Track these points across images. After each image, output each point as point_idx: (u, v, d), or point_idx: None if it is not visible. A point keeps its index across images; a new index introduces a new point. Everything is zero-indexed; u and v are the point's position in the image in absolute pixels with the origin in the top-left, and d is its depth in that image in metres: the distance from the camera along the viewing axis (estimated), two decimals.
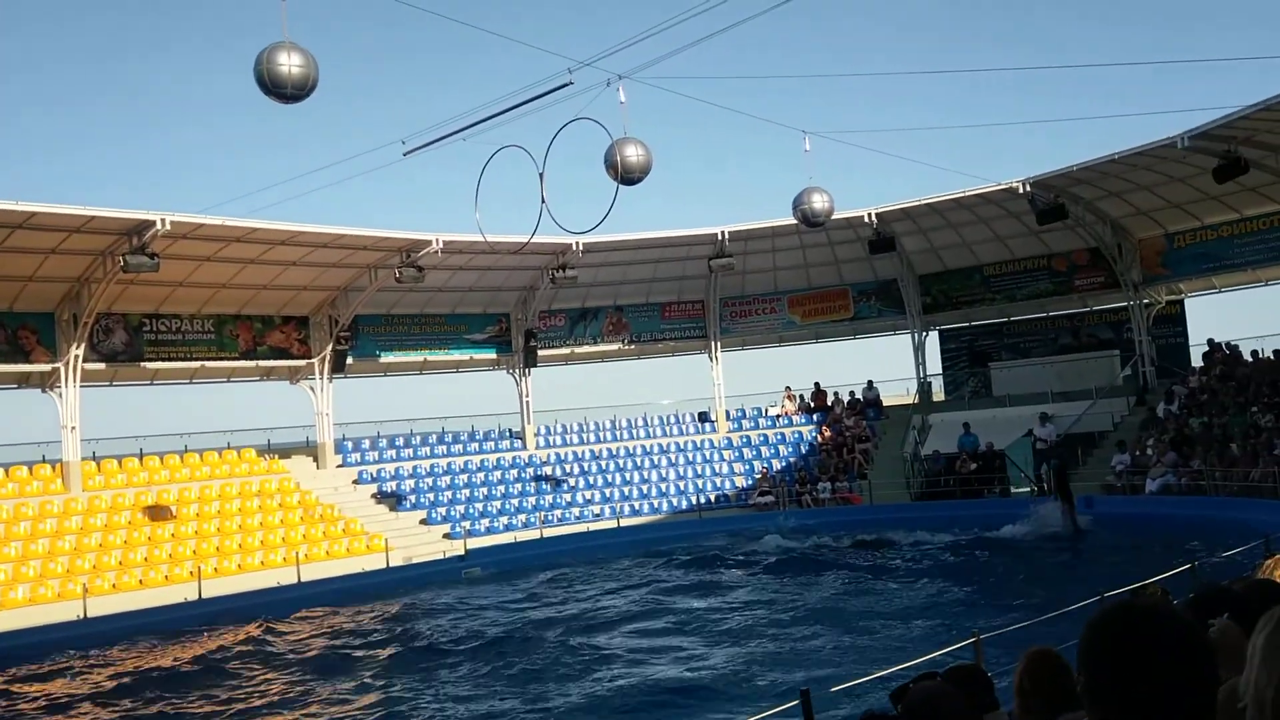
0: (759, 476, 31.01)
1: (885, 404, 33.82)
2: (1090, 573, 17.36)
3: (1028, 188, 27.19)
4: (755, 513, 29.51)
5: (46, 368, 24.15)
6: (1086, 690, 1.76)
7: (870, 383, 34.21)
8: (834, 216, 22.74)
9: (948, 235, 31.58)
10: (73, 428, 24.18)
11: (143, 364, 26.10)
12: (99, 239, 22.89)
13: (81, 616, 20.00)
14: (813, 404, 34.54)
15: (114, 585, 21.46)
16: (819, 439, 32.44)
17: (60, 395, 24.13)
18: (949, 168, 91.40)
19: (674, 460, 32.49)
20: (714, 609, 18.13)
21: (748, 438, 33.49)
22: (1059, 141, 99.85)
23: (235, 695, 14.41)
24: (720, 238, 30.83)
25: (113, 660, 17.54)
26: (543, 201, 15.66)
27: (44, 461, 24.66)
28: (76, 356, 24.17)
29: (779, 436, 33.32)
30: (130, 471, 25.55)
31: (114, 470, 25.36)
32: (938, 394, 33.89)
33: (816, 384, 34.98)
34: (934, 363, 33.95)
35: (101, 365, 25.22)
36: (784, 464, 31.90)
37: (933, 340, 33.96)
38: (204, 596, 21.39)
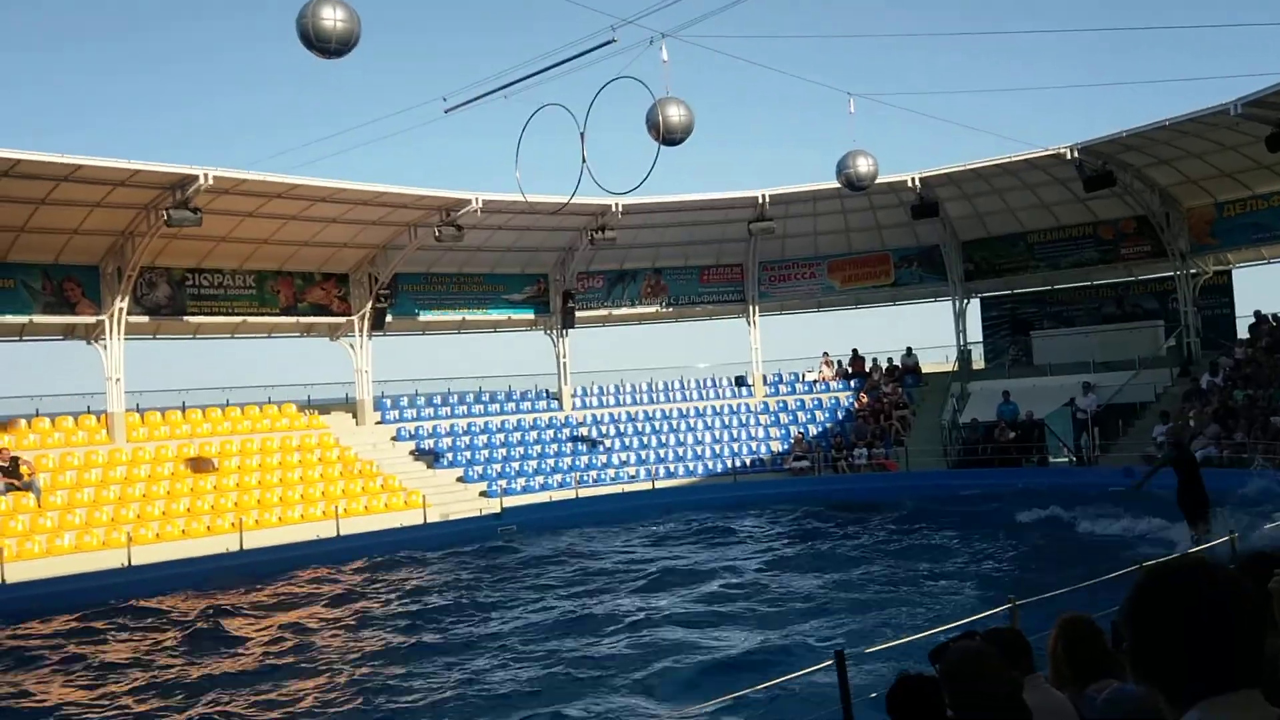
0: (794, 441, 30.93)
1: (924, 371, 33.56)
2: (1128, 542, 17.19)
3: (1075, 154, 26.68)
4: (790, 477, 29.48)
5: (91, 320, 24.51)
6: (1132, 650, 1.72)
7: (909, 349, 33.96)
8: (877, 181, 22.44)
9: (992, 201, 31.11)
10: (117, 379, 24.57)
11: (185, 318, 26.42)
12: (143, 193, 23.10)
13: (126, 564, 20.40)
14: (850, 370, 34.34)
15: (157, 535, 21.87)
16: (856, 405, 32.27)
17: (105, 347, 24.50)
18: (995, 132, 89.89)
19: (710, 424, 32.49)
20: (744, 571, 18.18)
21: (784, 403, 33.39)
22: (1107, 108, 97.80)
23: (272, 645, 14.68)
24: (761, 201, 30.59)
25: (161, 607, 17.91)
26: (583, 161, 15.56)
27: (89, 412, 25.11)
28: (121, 309, 24.50)
29: (815, 402, 33.19)
30: (173, 424, 25.96)
31: (157, 422, 25.77)
32: (978, 362, 33.55)
33: (855, 350, 34.73)
34: (975, 330, 33.62)
35: (145, 318, 25.55)
36: (820, 430, 31.80)
37: (974, 308, 33.60)
38: (245, 548, 21.73)
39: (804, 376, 34.51)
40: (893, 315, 47.07)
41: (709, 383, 34.46)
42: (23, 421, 24.22)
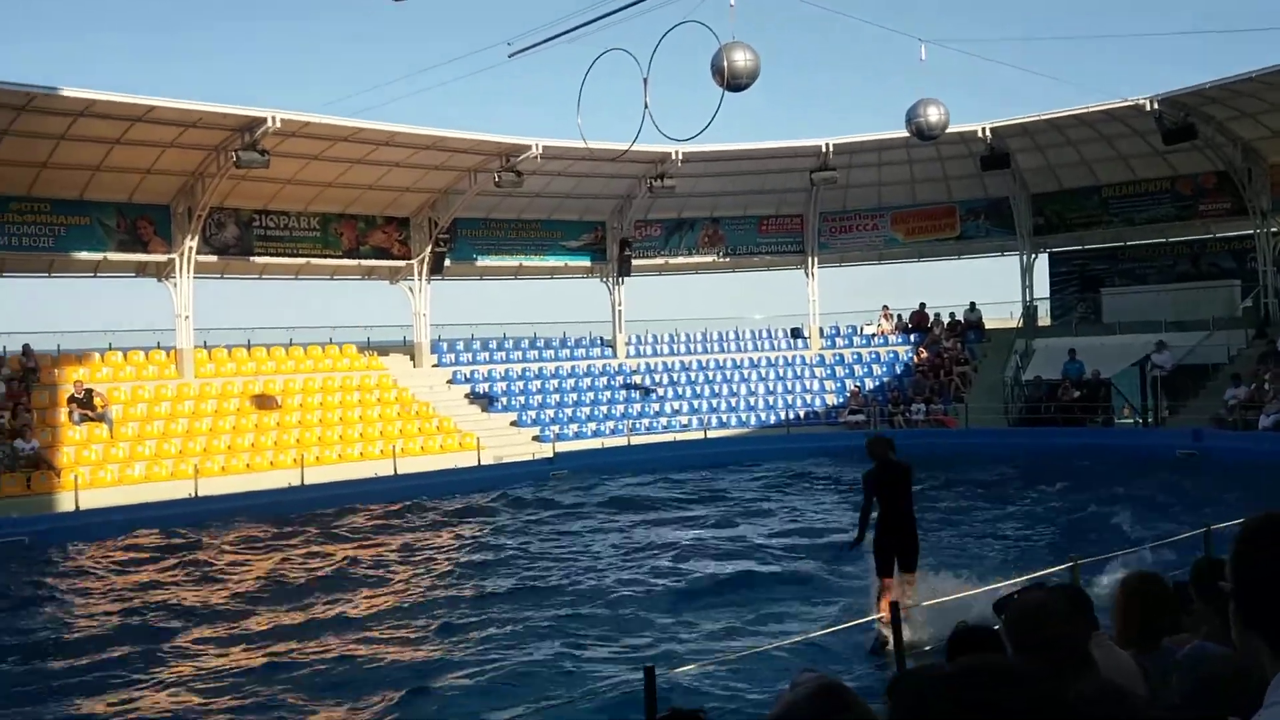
0: (850, 395, 30.72)
1: (987, 327, 33.00)
2: (1201, 505, 16.86)
3: (1155, 105, 25.81)
4: (845, 431, 29.33)
5: (163, 258, 25.06)
6: (1238, 596, 1.70)
7: (973, 304, 33.39)
8: (947, 130, 21.96)
9: (1066, 153, 30.28)
10: (186, 317, 25.15)
11: (252, 258, 26.90)
12: (213, 134, 23.46)
13: (193, 495, 21.04)
14: (911, 324, 33.90)
15: (223, 468, 22.50)
16: (915, 360, 31.88)
17: (175, 285, 25.07)
18: (1070, 82, 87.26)
19: (764, 375, 32.38)
20: (798, 519, 18.22)
21: (841, 356, 33.13)
22: (1190, 59, 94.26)
23: (334, 578, 15.08)
24: (824, 150, 30.14)
25: (234, 538, 18.49)
26: (645, 107, 15.42)
27: (159, 348, 25.80)
28: (190, 248, 25.00)
29: (873, 356, 32.88)
30: (239, 361, 26.57)
31: (224, 359, 26.39)
32: (1043, 319, 32.87)
33: (922, 304, 34.13)
34: (1041, 286, 32.88)
35: (213, 258, 26.06)
36: (877, 384, 31.52)
37: (1042, 263, 32.82)
38: (306, 483, 22.26)
39: (862, 330, 34.16)
40: (957, 269, 46.24)
41: (764, 334, 34.28)
42: (96, 355, 24.96)
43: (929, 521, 17.31)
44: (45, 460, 21.03)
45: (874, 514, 10.17)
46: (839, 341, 33.83)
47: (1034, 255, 32.46)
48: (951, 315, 33.51)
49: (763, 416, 30.43)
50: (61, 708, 9.63)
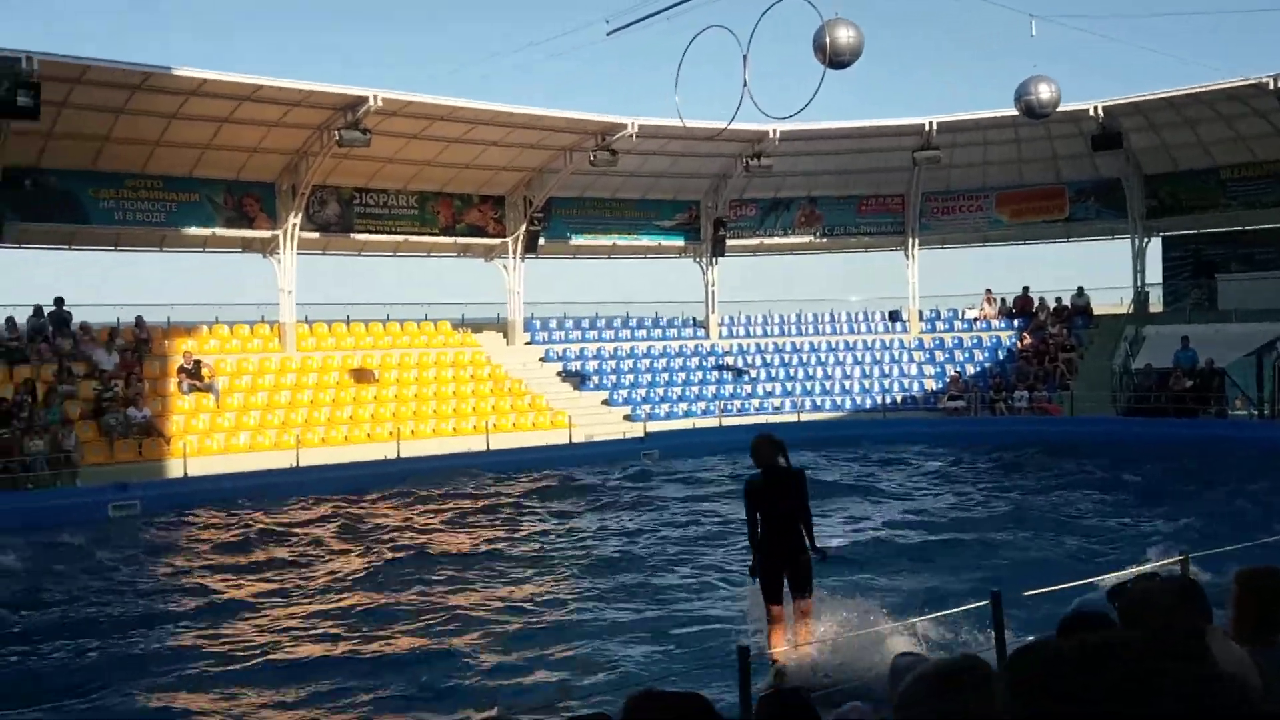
0: (950, 380, 29.99)
1: (1095, 312, 31.85)
2: None
3: (1278, 84, 24.47)
4: (944, 417, 28.67)
5: (267, 234, 25.74)
6: None
7: (1080, 289, 32.25)
8: (1057, 109, 21.16)
9: (1183, 133, 28.94)
10: (289, 292, 25.82)
11: (352, 235, 27.44)
12: (317, 113, 23.95)
13: (294, 465, 21.62)
14: (1015, 308, 32.91)
15: (322, 439, 23.07)
16: (1019, 345, 30.97)
17: (279, 261, 25.74)
18: (1188, 59, 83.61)
19: (860, 358, 31.83)
20: (897, 504, 17.87)
21: (941, 340, 32.37)
22: None
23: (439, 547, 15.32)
24: (928, 129, 29.39)
25: (340, 506, 18.97)
26: (744, 85, 15.18)
27: (263, 322, 26.57)
28: (294, 225, 25.63)
29: (975, 340, 32.04)
30: (339, 336, 27.20)
31: (324, 334, 27.04)
32: (1155, 305, 31.56)
33: (1026, 288, 33.12)
34: (1154, 271, 31.56)
35: (316, 234, 26.67)
36: (978, 369, 30.72)
37: (1154, 247, 31.48)
38: (402, 456, 22.67)
39: (963, 313, 33.31)
40: (1064, 252, 44.79)
41: (861, 316, 33.69)
42: (204, 328, 25.81)
43: (1034, 510, 16.88)
44: (156, 428, 21.83)
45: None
46: (939, 325, 33.06)
47: (1146, 239, 31.17)
48: (1058, 300, 32.43)
49: (858, 400, 29.95)
50: (180, 663, 9.99)
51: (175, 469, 20.86)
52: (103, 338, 23.93)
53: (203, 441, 21.82)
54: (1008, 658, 1.33)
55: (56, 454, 19.87)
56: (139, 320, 24.81)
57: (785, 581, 8.41)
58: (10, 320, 23.27)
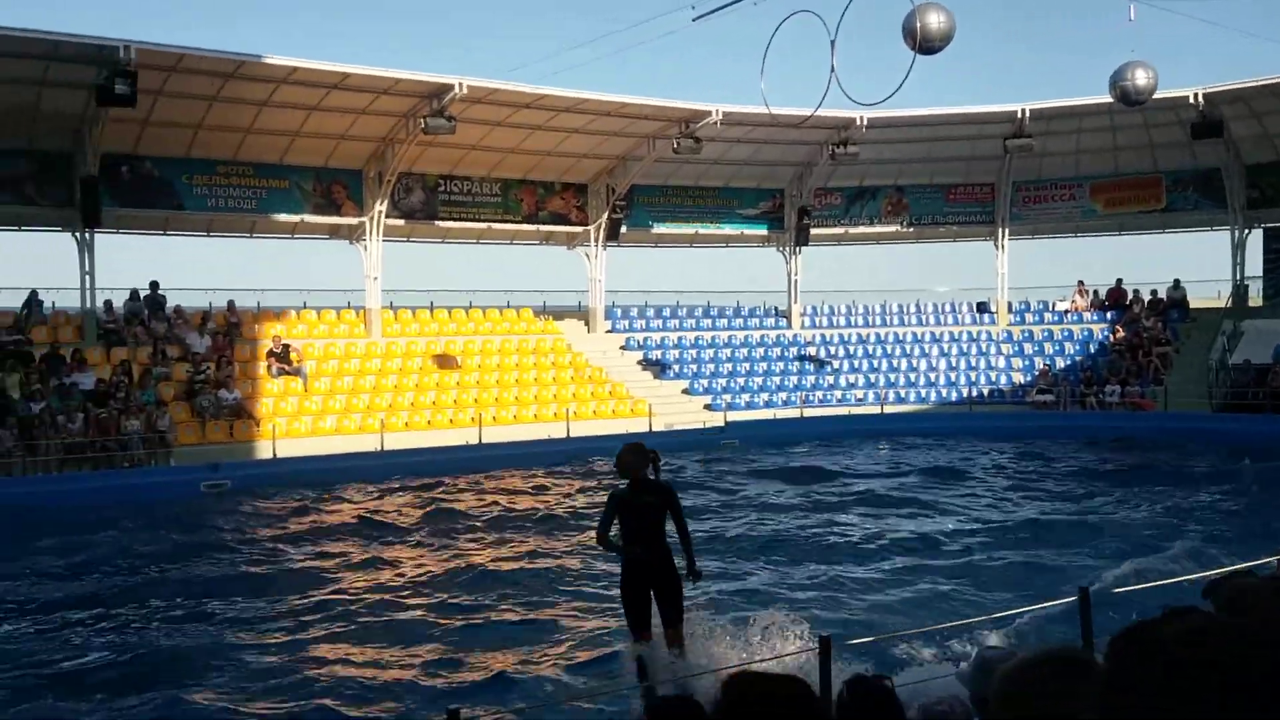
0: (1039, 374, 29.23)
1: (1192, 306, 30.71)
2: None
3: None
4: (1032, 411, 27.93)
5: (354, 221, 26.14)
6: None
7: (1177, 281, 31.13)
8: (1155, 96, 20.36)
9: None
10: (375, 278, 26.21)
11: (436, 222, 27.72)
12: (403, 101, 24.21)
13: (379, 449, 21.94)
14: (1108, 301, 31.90)
15: (405, 424, 23.37)
16: (1111, 339, 30.02)
17: (365, 247, 26.14)
18: None
19: (946, 350, 31.20)
20: (979, 500, 17.43)
21: (1030, 332, 31.55)
22: None
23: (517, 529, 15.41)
24: (1020, 116, 28.62)
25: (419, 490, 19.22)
26: (832, 71, 14.85)
27: (349, 307, 26.99)
28: (380, 212, 25.98)
29: (1065, 333, 31.16)
30: (422, 322, 27.53)
31: (409, 320, 27.39)
32: (1254, 299, 30.31)
33: (1120, 280, 32.09)
34: (1254, 264, 30.30)
35: (401, 221, 27.00)
36: (1068, 362, 29.88)
37: (1255, 239, 30.21)
38: (483, 441, 22.86)
39: (1054, 305, 32.42)
40: (1160, 243, 43.32)
41: (948, 307, 33.00)
42: (293, 313, 26.32)
43: (1124, 508, 16.32)
44: (246, 410, 22.35)
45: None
46: (1029, 317, 32.23)
47: (1247, 230, 29.91)
48: (1153, 292, 31.35)
49: (943, 393, 29.37)
50: (267, 634, 10.24)
51: (264, 450, 21.32)
52: (195, 321, 24.58)
53: (291, 424, 22.27)
54: (1110, 641, 1.27)
55: (152, 434, 20.47)
56: (230, 304, 25.42)
57: (651, 608, 7.51)
58: (108, 304, 24.02)
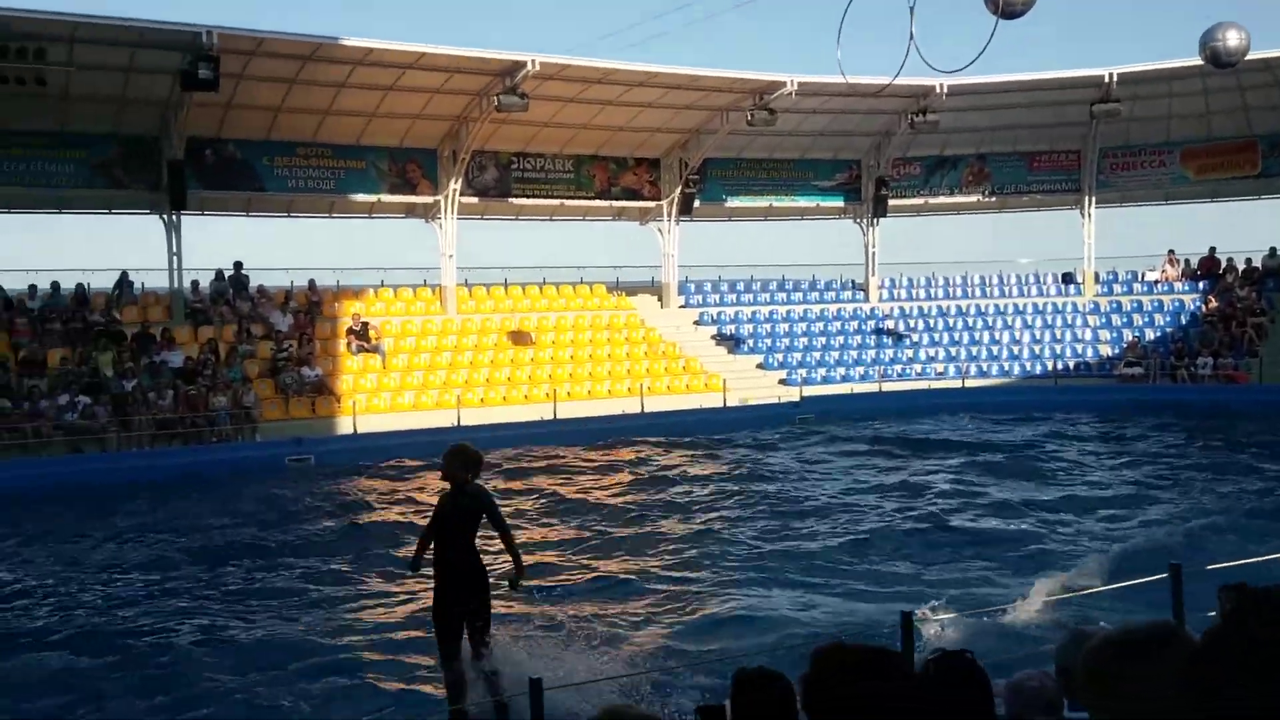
0: (1127, 346, 28.34)
1: None
2: None
3: None
4: (1120, 384, 27.12)
5: (429, 199, 26.42)
6: None
7: (1274, 250, 29.87)
8: (1248, 57, 19.43)
9: None
10: (450, 255, 26.48)
11: (510, 199, 27.86)
12: (476, 79, 24.32)
13: (456, 424, 22.21)
14: (1199, 270, 30.77)
15: (481, 399, 23.62)
16: (1203, 309, 28.97)
17: (440, 225, 26.40)
18: None
19: (1030, 322, 30.44)
20: (1066, 477, 16.99)
21: (1118, 303, 30.60)
22: None
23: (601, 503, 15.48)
24: (1106, 80, 27.63)
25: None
26: (910, 38, 14.45)
27: (425, 285, 27.33)
28: (454, 190, 26.20)
29: (1155, 304, 30.15)
30: (497, 299, 27.76)
31: (483, 297, 27.64)
32: None
33: (1212, 249, 30.92)
34: None
35: (475, 199, 27.20)
36: (1158, 334, 28.93)
37: None
38: (558, 417, 22.99)
39: (1143, 275, 31.40)
40: (1255, 211, 41.57)
41: (1031, 279, 32.20)
42: (370, 291, 26.76)
43: (1218, 484, 15.76)
44: (327, 386, 22.81)
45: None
46: (1116, 288, 31.25)
47: None
48: (1248, 261, 30.16)
49: (1027, 366, 28.68)
50: (349, 603, 10.49)
51: (345, 426, 21.74)
52: (278, 300, 25.13)
53: (370, 400, 22.67)
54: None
55: (238, 410, 21.04)
56: (311, 284, 25.93)
57: (462, 628, 6.98)
58: (195, 284, 24.68)
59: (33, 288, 23.42)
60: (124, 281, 24.39)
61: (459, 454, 7.06)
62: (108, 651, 9.01)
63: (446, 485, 7.10)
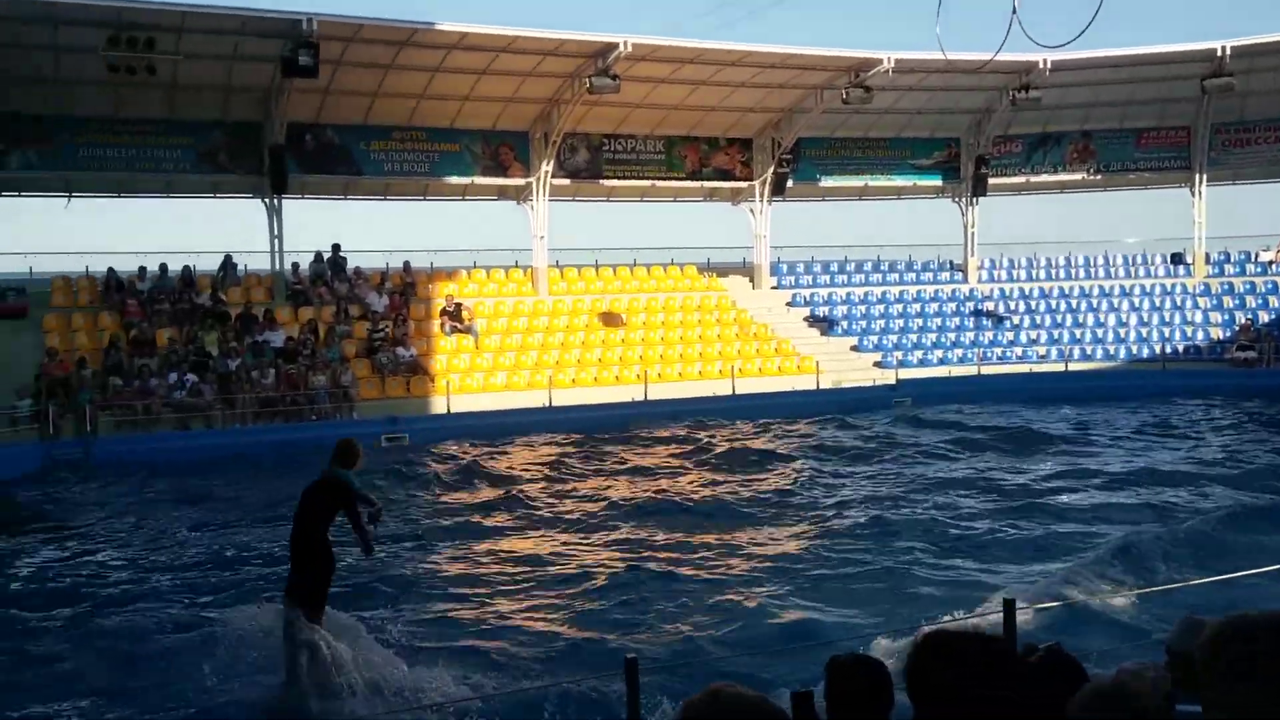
0: (1240, 329, 27.16)
1: None
2: None
3: None
4: (1232, 369, 26.00)
5: (521, 182, 26.60)
6: None
7: None
8: None
9: None
10: (541, 237, 26.64)
11: (601, 181, 27.88)
12: (568, 62, 24.37)
13: (547, 404, 22.37)
14: None
15: (573, 380, 23.73)
16: None
17: (532, 207, 26.58)
18: None
19: (1136, 304, 29.37)
20: (1174, 466, 16.34)
21: (1230, 285, 29.35)
22: None
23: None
24: (1220, 54, 26.47)
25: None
26: (1013, 11, 13.98)
27: (517, 267, 27.54)
28: (546, 172, 26.33)
29: (1269, 285, 28.86)
30: (588, 280, 27.84)
31: (574, 278, 27.75)
32: None
33: None
34: None
35: (566, 181, 27.29)
36: (1273, 316, 27.65)
37: None
38: (649, 398, 22.97)
39: (1257, 256, 30.05)
40: None
41: (1138, 259, 31.08)
42: (464, 272, 27.09)
43: None
44: (421, 366, 23.17)
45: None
46: (1228, 269, 29.99)
47: None
48: None
49: (1133, 350, 27.69)
50: (438, 578, 10.64)
51: (439, 405, 22.06)
52: (374, 281, 25.60)
53: (463, 380, 22.96)
54: None
55: (336, 389, 21.49)
56: (406, 265, 26.34)
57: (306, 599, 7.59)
58: (295, 266, 25.28)
59: (142, 269, 24.25)
60: (228, 263, 25.12)
61: (339, 445, 7.82)
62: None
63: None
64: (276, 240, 24.54)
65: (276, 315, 23.33)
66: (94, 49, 20.07)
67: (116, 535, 13.33)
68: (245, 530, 13.21)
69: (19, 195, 24.54)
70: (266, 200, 24.34)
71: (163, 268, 24.37)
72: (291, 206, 25.29)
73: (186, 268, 24.59)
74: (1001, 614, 5.25)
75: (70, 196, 24.37)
